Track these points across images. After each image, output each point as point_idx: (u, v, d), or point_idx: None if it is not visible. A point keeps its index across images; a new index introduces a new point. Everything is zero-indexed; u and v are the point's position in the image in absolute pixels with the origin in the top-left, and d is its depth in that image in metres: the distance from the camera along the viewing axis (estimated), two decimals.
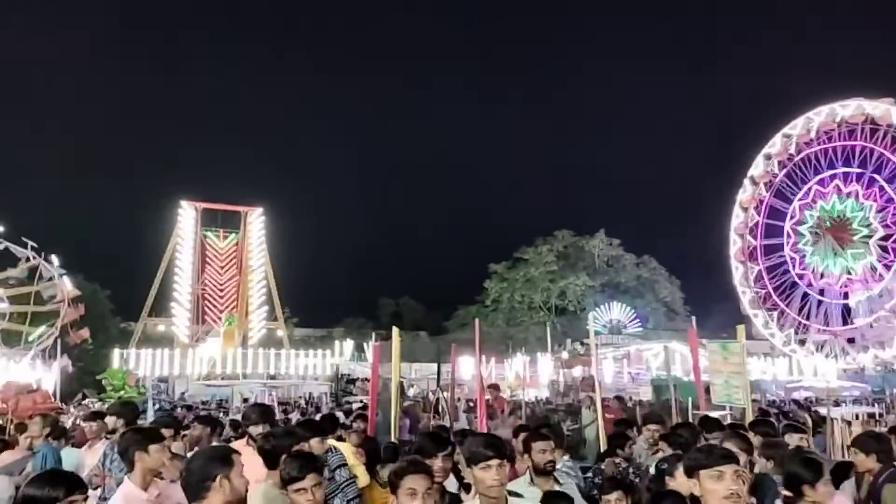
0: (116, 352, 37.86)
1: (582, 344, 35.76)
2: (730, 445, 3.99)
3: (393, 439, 7.84)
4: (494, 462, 3.42)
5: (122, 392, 25.77)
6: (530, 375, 27.38)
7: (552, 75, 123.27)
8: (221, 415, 15.46)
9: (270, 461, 4.11)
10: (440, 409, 13.76)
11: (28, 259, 33.53)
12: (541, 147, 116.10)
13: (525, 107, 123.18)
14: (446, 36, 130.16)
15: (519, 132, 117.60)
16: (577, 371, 28.67)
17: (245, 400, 30.18)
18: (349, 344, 49.08)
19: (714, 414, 7.92)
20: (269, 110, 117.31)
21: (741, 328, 9.27)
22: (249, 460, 3.55)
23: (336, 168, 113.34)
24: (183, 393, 29.88)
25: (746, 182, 38.31)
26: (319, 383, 38.49)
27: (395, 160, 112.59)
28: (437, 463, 4.13)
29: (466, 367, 21.81)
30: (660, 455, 5.63)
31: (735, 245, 38.70)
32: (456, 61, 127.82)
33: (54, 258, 33.60)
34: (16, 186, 74.39)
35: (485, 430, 7.60)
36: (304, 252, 62.92)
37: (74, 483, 2.54)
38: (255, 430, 5.26)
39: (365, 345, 50.52)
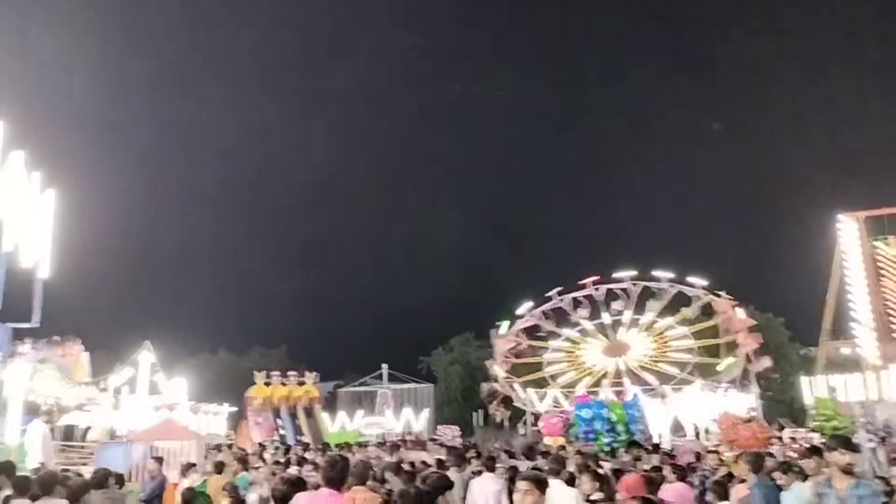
0: (803, 379, 37.20)
1: None
2: None
3: None
4: None
5: (834, 422, 24.64)
6: None
7: None
8: None
9: None
10: None
11: (699, 297, 37.00)
12: None
13: None
14: None
15: None
16: None
17: None
18: None
19: None
20: None
21: None
22: None
23: None
24: (886, 420, 27.10)
25: None
26: None
27: None
28: None
29: None
30: None
31: None
32: None
33: (724, 294, 36.09)
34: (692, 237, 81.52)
35: None
36: None
37: None
38: None
39: None
